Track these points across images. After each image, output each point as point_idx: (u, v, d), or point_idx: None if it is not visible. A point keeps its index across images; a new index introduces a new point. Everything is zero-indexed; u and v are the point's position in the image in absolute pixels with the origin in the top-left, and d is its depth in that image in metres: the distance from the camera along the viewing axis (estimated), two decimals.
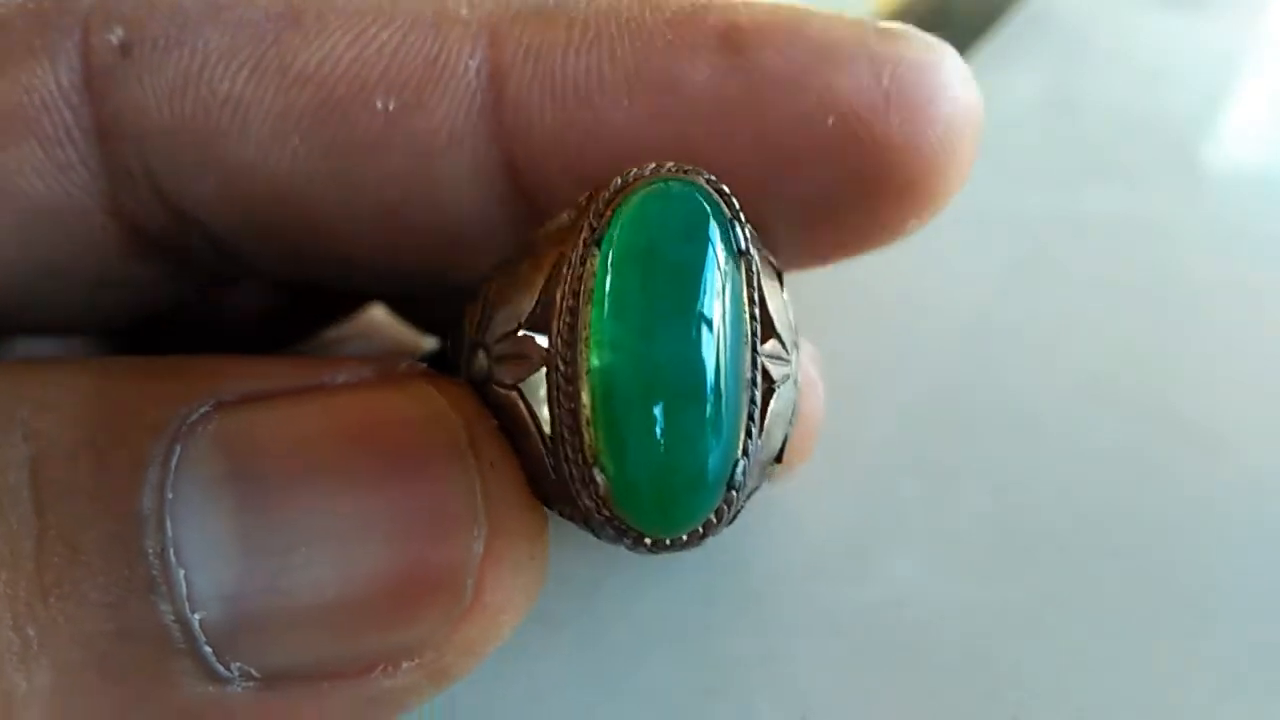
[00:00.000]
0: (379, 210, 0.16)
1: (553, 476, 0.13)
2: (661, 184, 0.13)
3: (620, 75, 0.14)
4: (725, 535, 0.14)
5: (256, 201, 0.16)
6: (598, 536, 0.14)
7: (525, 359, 0.14)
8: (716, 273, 0.13)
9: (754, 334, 0.13)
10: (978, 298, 0.34)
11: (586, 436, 0.13)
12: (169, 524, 0.12)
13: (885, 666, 0.23)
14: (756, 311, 0.13)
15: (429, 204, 0.16)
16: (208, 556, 0.12)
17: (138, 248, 0.17)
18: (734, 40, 0.14)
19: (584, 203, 0.14)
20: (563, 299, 0.13)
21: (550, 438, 0.13)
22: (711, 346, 0.13)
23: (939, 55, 0.15)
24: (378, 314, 0.25)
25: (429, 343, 0.25)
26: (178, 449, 0.12)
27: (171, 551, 0.12)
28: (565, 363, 0.13)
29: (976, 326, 0.32)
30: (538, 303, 0.14)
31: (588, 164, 0.15)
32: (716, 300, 0.13)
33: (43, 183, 0.15)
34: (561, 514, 0.14)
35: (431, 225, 0.16)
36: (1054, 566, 0.25)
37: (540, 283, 0.14)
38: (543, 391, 0.13)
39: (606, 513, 0.13)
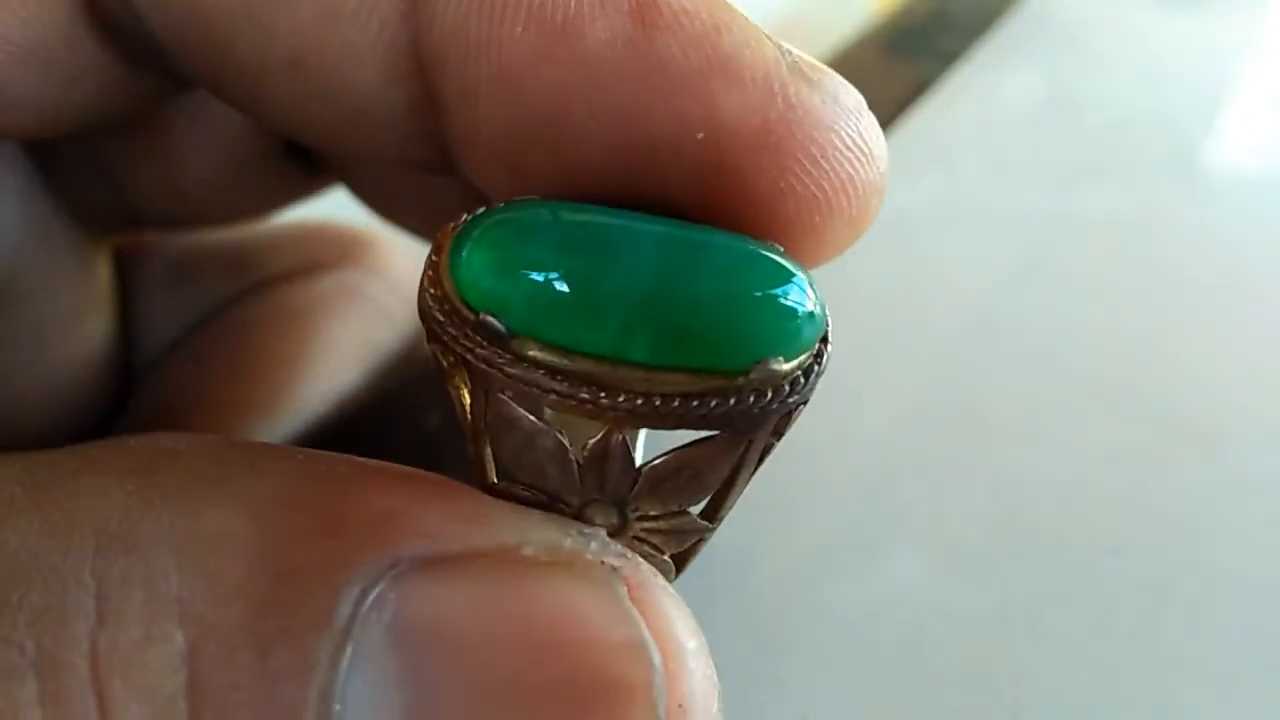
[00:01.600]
0: (286, 58, 0.15)
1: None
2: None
3: (524, 1, 0.14)
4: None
5: (183, 12, 0.15)
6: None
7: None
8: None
9: None
10: (978, 298, 0.34)
11: None
12: None
13: (885, 666, 0.23)
14: None
15: (333, 65, 0.15)
16: None
17: (96, 30, 0.16)
18: (645, 13, 0.13)
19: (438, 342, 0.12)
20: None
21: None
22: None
23: (849, 118, 0.14)
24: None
25: (382, 233, 0.24)
26: (349, 649, 0.11)
27: None
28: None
29: (976, 326, 0.32)
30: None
31: (474, 77, 0.14)
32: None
33: None
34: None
35: (334, 88, 0.16)
36: (1054, 566, 0.25)
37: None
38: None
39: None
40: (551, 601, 0.12)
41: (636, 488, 0.13)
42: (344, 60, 0.15)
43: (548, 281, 0.12)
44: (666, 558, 0.14)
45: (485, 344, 0.12)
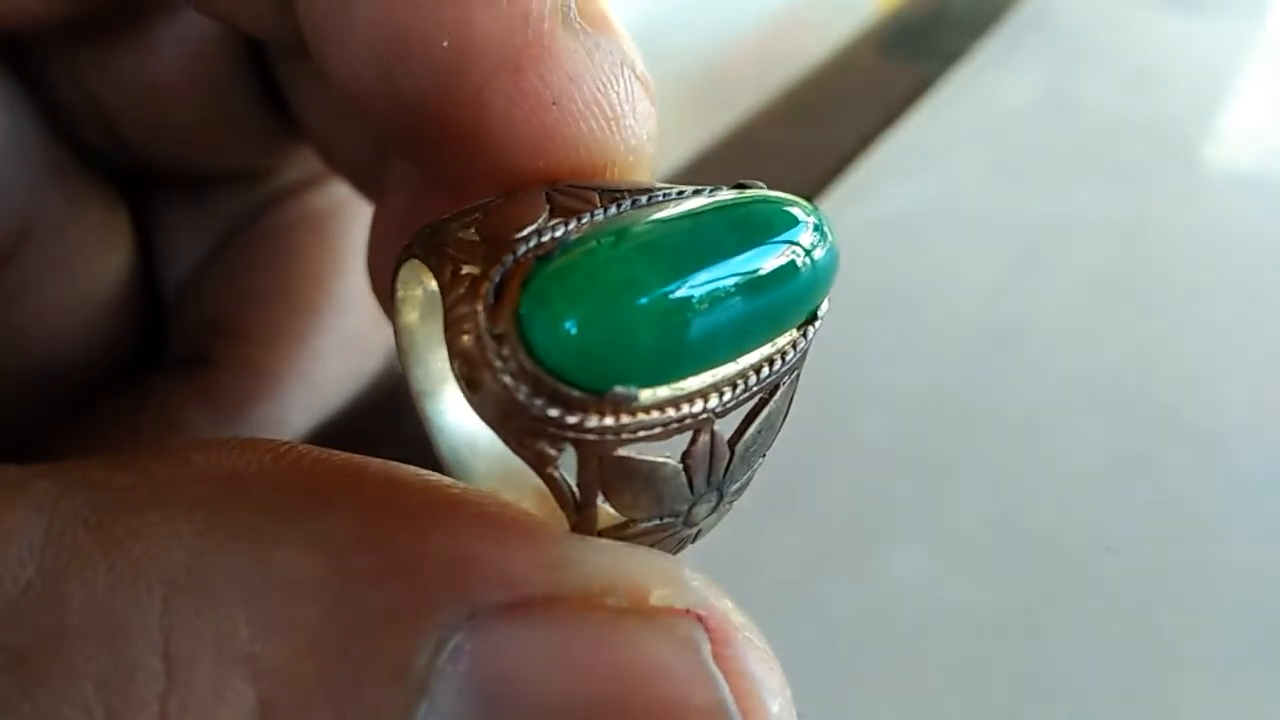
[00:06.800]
0: None
1: None
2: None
3: None
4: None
5: None
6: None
7: None
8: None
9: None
10: (977, 298, 0.34)
11: None
12: None
13: (884, 665, 0.23)
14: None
15: None
16: None
17: None
18: None
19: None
20: None
21: None
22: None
23: (602, 77, 0.14)
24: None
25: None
26: (424, 705, 0.11)
27: None
28: None
29: (976, 326, 0.32)
30: None
31: None
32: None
33: None
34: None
35: None
36: (1054, 566, 0.25)
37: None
38: None
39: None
40: (632, 658, 0.11)
41: (731, 465, 0.13)
42: None
43: (665, 337, 0.11)
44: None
45: (605, 414, 0.11)
